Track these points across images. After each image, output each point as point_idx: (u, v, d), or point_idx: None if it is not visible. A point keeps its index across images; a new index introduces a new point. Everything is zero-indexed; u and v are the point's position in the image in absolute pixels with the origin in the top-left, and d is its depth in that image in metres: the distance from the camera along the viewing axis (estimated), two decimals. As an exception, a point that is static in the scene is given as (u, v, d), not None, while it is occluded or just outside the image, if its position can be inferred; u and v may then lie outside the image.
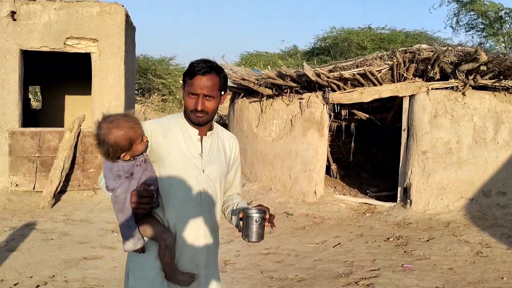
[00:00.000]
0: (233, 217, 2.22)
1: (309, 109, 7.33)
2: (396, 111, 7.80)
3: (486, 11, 22.20)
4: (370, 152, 10.32)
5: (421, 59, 6.60)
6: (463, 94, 6.82)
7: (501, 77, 6.62)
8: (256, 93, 7.88)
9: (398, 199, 7.27)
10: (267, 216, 2.00)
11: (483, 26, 23.18)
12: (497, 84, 6.72)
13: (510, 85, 6.68)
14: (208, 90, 1.99)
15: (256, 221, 1.95)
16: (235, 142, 2.33)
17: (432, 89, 6.85)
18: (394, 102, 7.58)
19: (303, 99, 7.41)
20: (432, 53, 6.49)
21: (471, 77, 6.66)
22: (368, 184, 9.13)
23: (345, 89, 7.06)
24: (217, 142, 2.19)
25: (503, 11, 21.93)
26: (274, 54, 23.43)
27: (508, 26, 22.33)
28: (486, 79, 6.71)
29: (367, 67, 6.59)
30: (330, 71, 6.89)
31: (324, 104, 7.22)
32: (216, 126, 2.25)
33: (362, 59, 6.94)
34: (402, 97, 7.11)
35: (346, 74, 6.65)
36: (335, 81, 6.85)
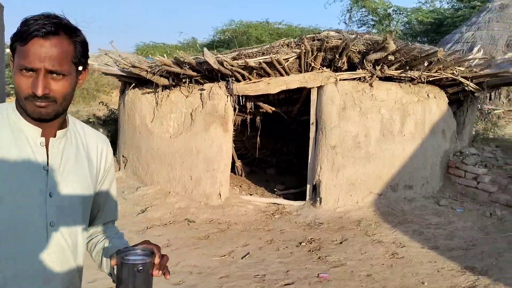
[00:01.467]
0: (104, 260, 1.44)
1: (211, 101, 6.55)
2: (303, 103, 7.35)
3: (376, 8, 23.29)
4: (275, 147, 9.85)
5: (329, 47, 6.17)
6: (371, 85, 6.54)
7: (407, 67, 6.44)
8: (150, 83, 6.90)
9: (307, 197, 6.82)
10: (157, 260, 1.23)
11: (373, 23, 24.33)
12: (403, 75, 6.54)
13: (416, 76, 6.53)
14: (54, 63, 1.18)
15: (138, 270, 1.17)
16: (106, 144, 1.52)
17: (340, 80, 6.46)
18: (301, 94, 7.10)
19: (204, 90, 6.61)
20: (340, 41, 6.08)
21: (378, 68, 6.39)
22: (275, 180, 8.64)
23: (250, 79, 6.40)
24: (75, 146, 1.38)
25: (391, 8, 23.20)
26: (172, 46, 22.36)
27: (395, 23, 23.67)
28: (393, 70, 6.49)
29: (274, 55, 5.98)
30: (234, 58, 6.17)
31: (228, 95, 6.48)
32: (73, 121, 1.43)
33: (268, 46, 6.31)
34: (309, 89, 6.64)
35: (252, 62, 5.98)
36: (240, 70, 6.14)
